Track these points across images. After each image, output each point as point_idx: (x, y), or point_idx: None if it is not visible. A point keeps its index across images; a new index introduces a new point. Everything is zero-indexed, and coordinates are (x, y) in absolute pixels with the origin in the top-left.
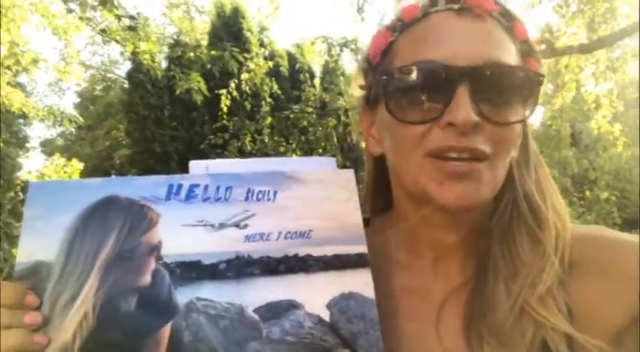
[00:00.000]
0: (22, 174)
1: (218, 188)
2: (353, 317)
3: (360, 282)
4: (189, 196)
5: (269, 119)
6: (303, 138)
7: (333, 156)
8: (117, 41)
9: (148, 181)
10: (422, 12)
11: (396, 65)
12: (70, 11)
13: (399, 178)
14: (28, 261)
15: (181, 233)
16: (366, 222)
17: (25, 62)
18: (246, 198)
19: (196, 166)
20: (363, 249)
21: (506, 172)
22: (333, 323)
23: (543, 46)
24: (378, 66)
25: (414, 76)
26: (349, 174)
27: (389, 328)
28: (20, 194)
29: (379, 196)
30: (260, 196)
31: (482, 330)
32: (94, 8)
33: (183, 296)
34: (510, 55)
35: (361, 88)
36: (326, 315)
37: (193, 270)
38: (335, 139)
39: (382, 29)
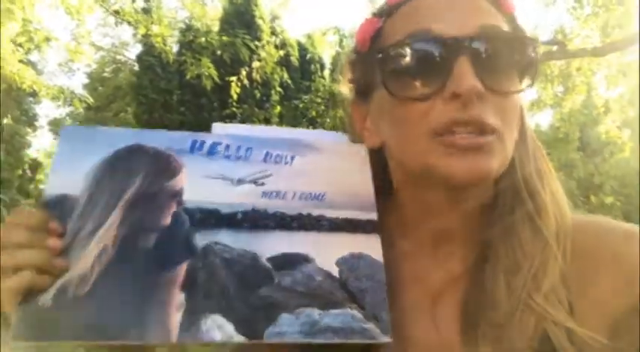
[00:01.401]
0: (30, 152)
1: (239, 147)
2: (362, 276)
3: (370, 246)
4: (212, 152)
5: (278, 108)
6: (311, 128)
7: None
8: (129, 23)
9: (174, 135)
10: None
11: (389, 36)
12: None
13: (402, 162)
14: (55, 193)
15: (202, 183)
16: None
17: (38, 40)
18: (265, 160)
19: (218, 128)
20: (373, 216)
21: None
22: (342, 279)
23: (556, 48)
24: (368, 53)
25: (410, 50)
26: (362, 148)
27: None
28: (28, 172)
29: (376, 188)
30: (278, 159)
31: (479, 322)
32: None
33: (201, 239)
34: (502, 24)
35: (350, 81)
36: (336, 271)
37: (212, 217)
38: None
39: (368, 17)
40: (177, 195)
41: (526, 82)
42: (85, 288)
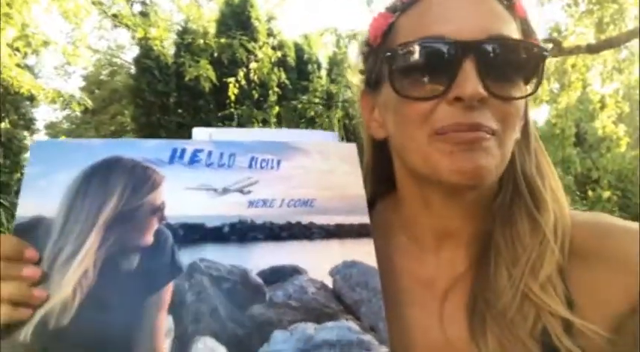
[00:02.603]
0: (28, 156)
1: (222, 154)
2: (356, 285)
3: (363, 251)
4: (193, 161)
5: (276, 109)
6: (309, 128)
7: None
8: (128, 26)
9: (152, 144)
10: None
11: (399, 43)
12: None
13: (404, 159)
14: (28, 216)
15: (185, 196)
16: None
17: (36, 44)
18: (250, 166)
19: (200, 133)
20: (365, 219)
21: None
22: (336, 289)
23: (551, 45)
24: (379, 47)
25: (418, 51)
26: (352, 147)
27: (390, 316)
28: None
29: (380, 182)
30: (264, 164)
31: (486, 317)
32: None
33: (186, 256)
34: (513, 31)
35: (361, 72)
36: (329, 282)
37: (197, 232)
38: (341, 131)
39: (382, 11)
40: (158, 210)
41: (530, 88)
42: (67, 318)
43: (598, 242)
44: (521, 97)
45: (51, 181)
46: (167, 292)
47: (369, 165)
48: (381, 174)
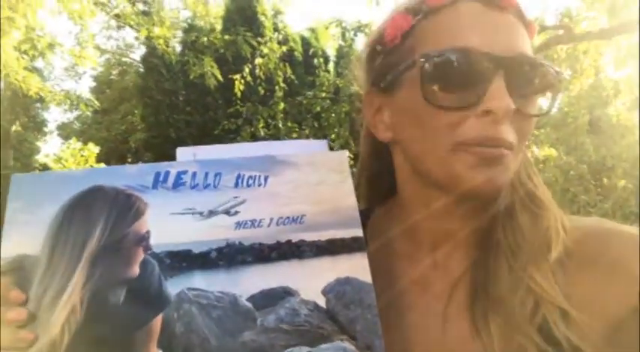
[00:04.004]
0: (39, 158)
1: (207, 174)
2: (350, 303)
3: (356, 266)
4: (177, 184)
5: (282, 104)
6: (316, 123)
7: (347, 142)
8: (131, 26)
9: (134, 170)
10: None
11: (421, 50)
12: None
13: (419, 165)
14: (12, 254)
15: (170, 222)
16: (365, 213)
17: (42, 46)
18: (236, 185)
19: (184, 152)
20: (358, 232)
21: None
22: (330, 309)
23: (562, 31)
24: (397, 48)
25: (452, 60)
26: (342, 155)
27: (390, 320)
28: None
29: (378, 185)
30: (250, 182)
31: (488, 309)
32: None
33: (174, 286)
34: (530, 51)
35: (368, 70)
36: (322, 301)
37: (183, 260)
38: (348, 125)
39: (401, 11)
40: (143, 239)
41: (546, 107)
42: None
43: (598, 246)
44: (539, 115)
45: (33, 216)
46: (156, 324)
47: (366, 167)
48: (379, 176)
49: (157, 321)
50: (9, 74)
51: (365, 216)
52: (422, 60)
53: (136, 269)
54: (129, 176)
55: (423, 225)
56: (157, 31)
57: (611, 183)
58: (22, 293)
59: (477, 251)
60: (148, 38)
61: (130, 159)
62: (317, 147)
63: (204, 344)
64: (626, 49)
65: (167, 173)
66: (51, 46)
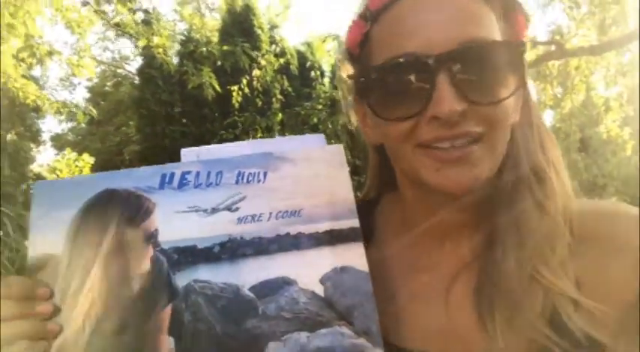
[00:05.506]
0: (34, 167)
1: (209, 173)
2: (347, 291)
3: (353, 256)
4: (182, 184)
5: (280, 115)
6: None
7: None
8: (130, 35)
9: (142, 172)
10: None
11: (374, 59)
12: (85, 4)
13: (396, 166)
14: (38, 254)
15: (176, 220)
16: (374, 202)
17: (40, 54)
18: (237, 182)
19: (188, 153)
20: (354, 222)
21: (507, 140)
22: (328, 297)
23: (554, 47)
24: (359, 58)
25: (391, 73)
26: (337, 149)
27: (397, 306)
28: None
29: (385, 179)
30: (250, 178)
31: (494, 301)
32: (108, 1)
33: (181, 279)
34: (487, 27)
35: (349, 77)
36: (320, 290)
37: (189, 255)
38: (345, 137)
39: (355, 19)
40: (152, 236)
41: (514, 85)
42: (81, 347)
43: (607, 227)
44: (505, 98)
45: (55, 219)
46: (166, 314)
47: (371, 160)
48: (385, 172)
49: (167, 311)
50: (7, 82)
51: (373, 205)
52: (362, 79)
53: (147, 265)
54: (137, 178)
55: (425, 216)
56: (156, 40)
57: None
58: (47, 289)
59: (483, 242)
60: (147, 47)
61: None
62: (314, 141)
63: (210, 332)
64: (615, 67)
65: (172, 174)
66: (50, 53)
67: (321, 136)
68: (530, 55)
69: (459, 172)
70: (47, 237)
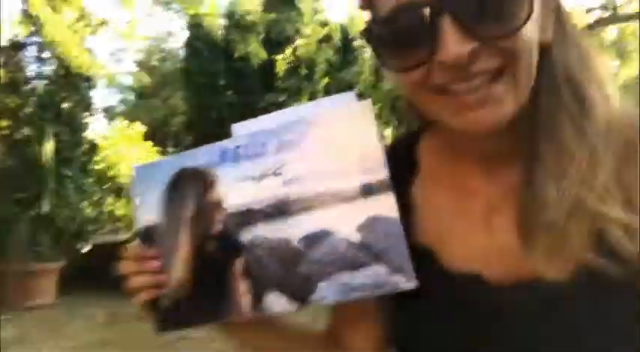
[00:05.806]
0: (88, 134)
1: (255, 145)
2: (381, 236)
3: (384, 205)
4: (236, 156)
5: (325, 80)
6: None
7: (388, 120)
8: (179, 6)
9: (205, 150)
10: None
11: (379, 12)
12: None
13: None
14: (142, 225)
15: (235, 188)
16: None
17: (95, 24)
18: (278, 150)
19: (238, 128)
20: (384, 174)
21: (538, 58)
22: (364, 243)
23: (607, 14)
24: (369, 13)
25: (392, 23)
26: (366, 104)
27: (443, 228)
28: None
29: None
30: (289, 145)
31: (535, 230)
32: None
33: (245, 236)
34: None
35: (361, 34)
36: (357, 238)
37: (248, 216)
38: (390, 103)
39: None
40: (219, 204)
41: (526, 11)
42: (184, 289)
43: None
44: (522, 25)
45: (151, 196)
46: (240, 263)
47: (408, 104)
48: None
49: (240, 261)
50: (64, 52)
51: (415, 138)
52: (369, 34)
53: (219, 227)
54: (202, 156)
55: (465, 144)
56: (204, 9)
57: None
58: (154, 251)
59: (524, 169)
60: (194, 16)
61: (171, 141)
62: (345, 99)
63: (273, 276)
64: None
65: (228, 149)
66: (103, 23)
67: (352, 94)
68: (582, 21)
69: (481, 114)
70: (148, 210)
